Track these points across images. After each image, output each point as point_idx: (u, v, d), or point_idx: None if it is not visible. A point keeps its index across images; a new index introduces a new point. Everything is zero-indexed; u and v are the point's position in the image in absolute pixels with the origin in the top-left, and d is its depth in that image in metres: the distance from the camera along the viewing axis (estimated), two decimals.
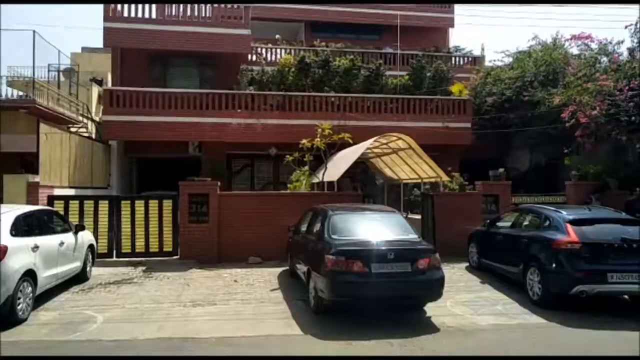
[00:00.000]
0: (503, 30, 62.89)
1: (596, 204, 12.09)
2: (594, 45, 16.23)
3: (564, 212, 8.20)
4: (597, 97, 13.56)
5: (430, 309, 7.25)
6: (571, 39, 17.04)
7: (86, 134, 17.09)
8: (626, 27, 14.26)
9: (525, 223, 9.14)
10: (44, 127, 12.09)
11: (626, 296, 7.93)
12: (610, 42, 15.84)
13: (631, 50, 14.62)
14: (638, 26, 14.01)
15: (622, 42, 15.65)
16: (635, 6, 14.18)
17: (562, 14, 30.79)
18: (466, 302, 7.91)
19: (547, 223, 8.24)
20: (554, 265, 7.49)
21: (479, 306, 7.69)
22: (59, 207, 10.63)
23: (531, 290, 7.88)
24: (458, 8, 23.72)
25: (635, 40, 14.28)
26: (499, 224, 9.93)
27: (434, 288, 6.84)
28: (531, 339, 6.35)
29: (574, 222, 7.77)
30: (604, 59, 15.72)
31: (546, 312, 7.27)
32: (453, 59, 21.37)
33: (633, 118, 12.57)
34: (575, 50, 17.42)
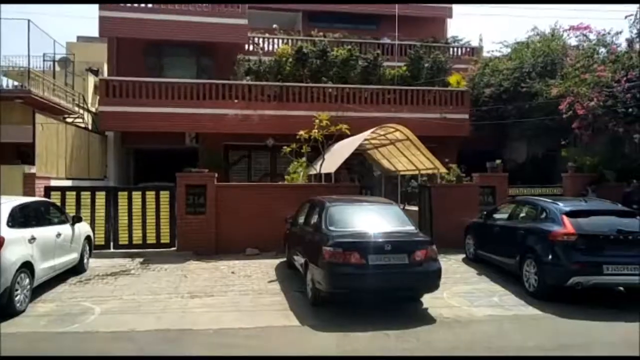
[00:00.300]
0: (501, 21, 62.56)
1: (592, 195, 12.12)
2: (592, 36, 16.21)
3: (561, 204, 8.22)
4: (595, 88, 13.55)
5: (427, 300, 7.28)
6: (569, 29, 17.03)
7: (82, 125, 17.00)
8: (626, 17, 14.25)
9: (522, 215, 9.16)
10: (39, 118, 12.02)
11: (621, 288, 7.97)
12: (609, 33, 15.81)
13: (630, 41, 14.58)
14: (637, 17, 13.97)
15: (621, 32, 15.68)
16: (634, 6, 14.07)
17: (560, 4, 30.64)
18: (463, 293, 7.95)
19: (543, 215, 8.27)
20: (550, 256, 7.52)
21: (475, 298, 7.73)
22: (55, 198, 10.58)
23: (527, 281, 7.93)
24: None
25: (634, 31, 14.27)
26: (496, 215, 9.95)
27: (431, 280, 6.87)
28: (527, 330, 6.39)
29: (570, 214, 7.79)
30: (602, 49, 15.69)
31: (542, 303, 7.31)
32: (451, 49, 21.25)
33: (630, 110, 12.58)
34: (573, 41, 17.39)
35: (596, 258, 7.25)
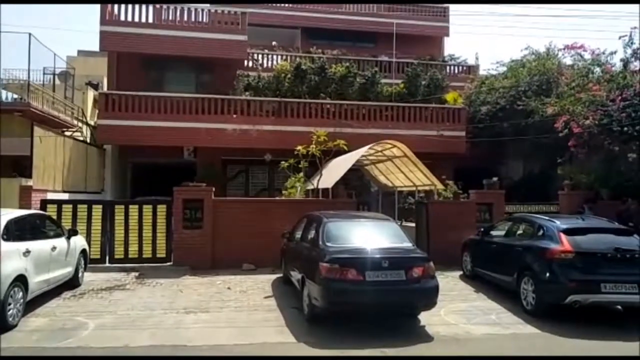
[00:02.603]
0: (498, 40, 63.49)
1: (589, 213, 12.15)
2: (587, 55, 16.42)
3: (558, 222, 8.23)
4: (590, 107, 13.67)
5: (424, 317, 7.23)
6: (564, 48, 17.22)
7: (81, 138, 17.00)
8: (620, 37, 14.44)
9: (519, 232, 9.15)
10: (38, 131, 12.03)
11: (619, 306, 7.94)
12: (603, 53, 16.02)
13: (625, 62, 14.76)
14: (631, 37, 14.20)
15: (615, 52, 15.83)
16: (632, 7, 14.31)
17: (556, 23, 31.11)
18: (460, 311, 7.90)
19: (540, 232, 8.27)
20: (547, 274, 7.50)
21: (472, 315, 7.69)
22: (51, 211, 10.53)
23: (525, 299, 7.89)
24: (453, 16, 23.95)
25: (629, 51, 14.46)
26: (493, 232, 9.94)
27: (428, 297, 6.83)
28: (525, 348, 6.35)
29: (567, 232, 7.80)
30: (597, 69, 15.88)
31: (540, 321, 7.27)
32: (448, 67, 21.52)
33: (625, 128, 12.67)
34: (568, 60, 17.59)
35: (594, 276, 7.23)
